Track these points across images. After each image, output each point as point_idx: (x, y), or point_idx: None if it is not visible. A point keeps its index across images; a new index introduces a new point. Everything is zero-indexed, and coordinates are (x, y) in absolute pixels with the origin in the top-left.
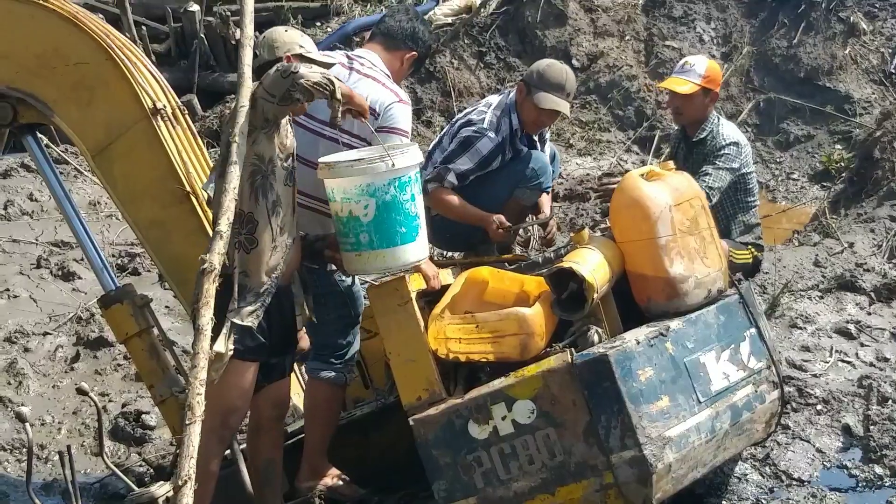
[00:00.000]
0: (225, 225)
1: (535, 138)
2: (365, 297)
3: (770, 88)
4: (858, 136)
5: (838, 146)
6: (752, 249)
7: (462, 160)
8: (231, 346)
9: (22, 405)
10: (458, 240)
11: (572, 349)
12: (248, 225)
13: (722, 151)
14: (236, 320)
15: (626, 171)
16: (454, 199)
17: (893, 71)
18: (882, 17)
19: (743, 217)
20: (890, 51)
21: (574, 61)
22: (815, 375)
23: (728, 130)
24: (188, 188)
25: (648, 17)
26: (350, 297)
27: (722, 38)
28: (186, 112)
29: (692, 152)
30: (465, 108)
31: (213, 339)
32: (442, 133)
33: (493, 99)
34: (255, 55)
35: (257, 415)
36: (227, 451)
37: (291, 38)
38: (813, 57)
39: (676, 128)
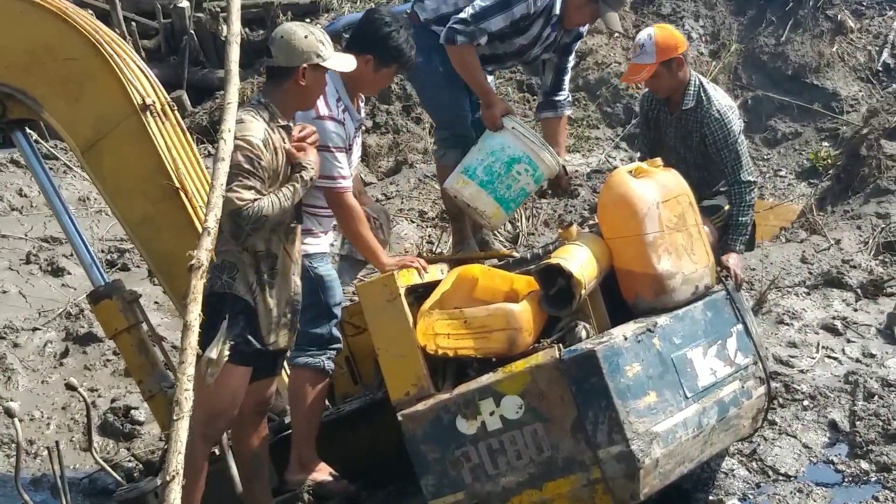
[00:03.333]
0: (213, 221)
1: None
2: (354, 294)
3: (758, 86)
4: (845, 133)
5: (825, 143)
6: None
7: (496, 20)
8: (226, 353)
9: (11, 400)
10: (442, 111)
11: (560, 345)
12: (268, 260)
13: (727, 127)
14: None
15: (614, 167)
16: (475, 60)
17: (880, 69)
18: (869, 14)
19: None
20: (877, 48)
21: None
22: (801, 371)
23: (718, 96)
24: (177, 184)
25: (637, 15)
26: (321, 286)
27: (710, 36)
28: (176, 108)
29: (681, 120)
30: None
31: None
32: None
33: None
34: (268, 52)
35: (240, 411)
36: (216, 448)
37: (310, 45)
38: (800, 54)
39: (643, 94)
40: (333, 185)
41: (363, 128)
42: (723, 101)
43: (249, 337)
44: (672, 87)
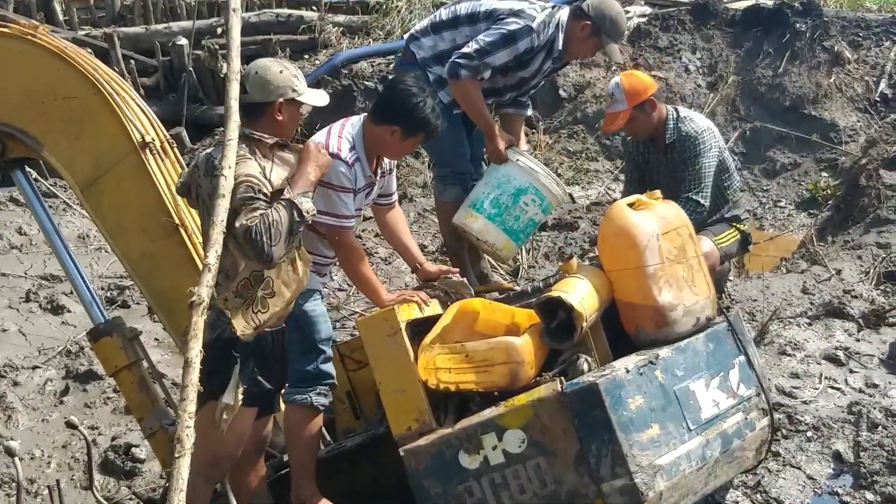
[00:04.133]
0: (213, 258)
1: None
2: (355, 329)
3: (756, 117)
4: (844, 163)
5: (824, 174)
6: (736, 224)
7: (500, 55)
8: (240, 398)
9: (11, 439)
10: (442, 150)
11: (562, 378)
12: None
13: (698, 148)
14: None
15: (614, 199)
16: (478, 94)
17: (878, 99)
18: (866, 45)
19: (727, 194)
20: (874, 79)
21: (561, 91)
22: (804, 402)
23: (691, 124)
24: (177, 221)
25: (634, 48)
26: (305, 323)
27: (707, 68)
28: (175, 145)
29: (667, 154)
30: None
31: (215, 391)
32: (476, 4)
33: (541, 2)
34: (243, 88)
35: None
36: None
37: (285, 80)
38: (798, 86)
39: (629, 140)
40: (336, 222)
41: (374, 185)
42: (698, 124)
43: (260, 378)
44: (651, 128)
